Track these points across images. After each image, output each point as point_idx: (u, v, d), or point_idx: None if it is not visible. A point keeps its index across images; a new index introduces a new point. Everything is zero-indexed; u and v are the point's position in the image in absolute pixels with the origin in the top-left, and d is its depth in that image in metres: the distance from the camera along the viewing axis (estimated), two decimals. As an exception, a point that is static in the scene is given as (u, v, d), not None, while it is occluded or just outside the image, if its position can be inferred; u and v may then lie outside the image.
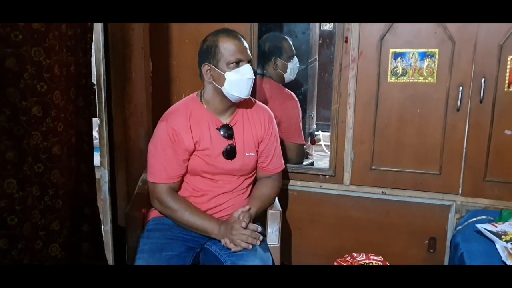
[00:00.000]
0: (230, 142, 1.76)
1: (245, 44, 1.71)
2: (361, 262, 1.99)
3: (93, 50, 1.91)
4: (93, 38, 1.88)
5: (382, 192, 2.10)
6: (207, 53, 1.69)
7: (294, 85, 2.62)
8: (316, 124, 2.87)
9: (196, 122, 1.73)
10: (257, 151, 1.83)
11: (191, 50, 1.80)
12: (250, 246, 1.62)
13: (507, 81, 1.84)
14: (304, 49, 2.62)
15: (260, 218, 1.86)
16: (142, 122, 2.17)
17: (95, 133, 2.33)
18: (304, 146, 2.59)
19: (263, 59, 2.35)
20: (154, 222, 1.80)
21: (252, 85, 1.71)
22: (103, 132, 1.99)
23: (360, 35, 1.99)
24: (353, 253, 2.02)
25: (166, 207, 1.73)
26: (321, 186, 2.20)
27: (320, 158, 2.80)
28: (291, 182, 2.23)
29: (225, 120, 1.77)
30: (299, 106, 2.43)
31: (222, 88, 1.68)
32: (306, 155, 2.62)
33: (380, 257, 2.00)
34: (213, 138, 1.74)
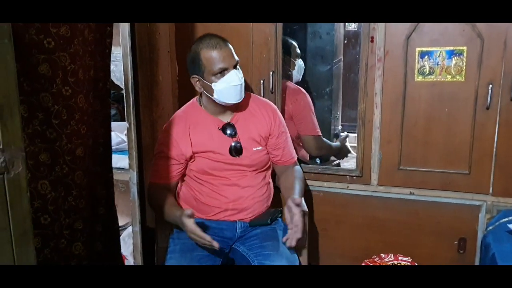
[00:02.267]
0: (235, 139, 1.79)
1: (228, 49, 1.70)
2: (389, 263, 1.98)
3: (120, 55, 1.96)
4: (121, 43, 1.92)
5: (410, 192, 2.08)
6: (193, 65, 1.73)
7: (318, 86, 2.63)
8: (341, 125, 2.86)
9: (195, 128, 1.78)
10: (266, 145, 1.84)
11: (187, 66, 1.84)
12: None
13: (539, 78, 1.80)
14: (329, 50, 2.62)
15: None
16: (169, 125, 2.20)
17: (123, 136, 2.39)
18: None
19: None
20: (183, 223, 1.82)
21: (244, 89, 1.73)
22: (131, 135, 2.03)
23: (385, 34, 1.97)
24: (381, 254, 2.01)
25: (153, 199, 1.83)
26: (348, 186, 2.19)
27: (346, 160, 2.78)
28: (317, 183, 2.23)
29: (226, 119, 1.81)
30: (309, 98, 2.40)
31: (213, 97, 1.72)
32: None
33: (409, 258, 1.98)
34: (216, 139, 1.77)
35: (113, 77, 2.74)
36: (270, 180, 1.90)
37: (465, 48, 1.89)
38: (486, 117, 1.90)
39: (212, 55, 1.67)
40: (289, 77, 2.45)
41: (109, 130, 1.90)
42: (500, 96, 1.87)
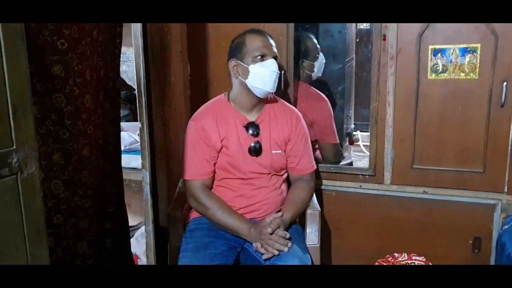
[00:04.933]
0: (256, 139, 1.79)
1: (272, 41, 1.77)
2: (403, 262, 1.96)
3: (133, 55, 1.97)
4: (133, 43, 1.94)
5: (424, 191, 2.06)
6: (235, 50, 1.78)
7: (330, 85, 2.61)
8: (354, 123, 2.85)
9: (223, 121, 1.79)
10: (285, 150, 1.84)
11: (227, 54, 1.84)
12: (277, 253, 1.61)
13: (555, 75, 1.77)
14: (341, 48, 2.60)
15: (299, 218, 1.86)
16: (181, 124, 2.22)
17: (136, 136, 2.41)
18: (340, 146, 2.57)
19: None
20: (195, 222, 1.83)
21: (277, 81, 1.76)
22: (144, 135, 2.04)
23: (398, 32, 1.96)
24: (395, 254, 1.99)
25: (200, 204, 1.78)
26: (360, 186, 2.17)
27: (359, 159, 2.76)
28: (330, 182, 2.22)
29: (251, 118, 1.81)
30: (330, 106, 2.42)
31: (247, 81, 1.74)
32: (342, 156, 2.60)
33: (423, 257, 1.96)
34: (240, 136, 1.78)
35: (125, 77, 2.77)
36: (285, 186, 1.90)
37: (479, 45, 1.86)
38: (501, 114, 1.87)
39: (257, 40, 1.74)
40: (310, 79, 2.45)
41: (118, 129, 1.91)
42: (515, 94, 1.84)
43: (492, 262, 1.99)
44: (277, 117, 1.84)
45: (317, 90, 2.44)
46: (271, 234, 1.65)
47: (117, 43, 1.82)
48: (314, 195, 1.93)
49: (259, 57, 1.72)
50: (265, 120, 1.82)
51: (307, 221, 1.84)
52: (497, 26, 1.82)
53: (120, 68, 1.96)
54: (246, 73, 1.74)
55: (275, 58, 1.75)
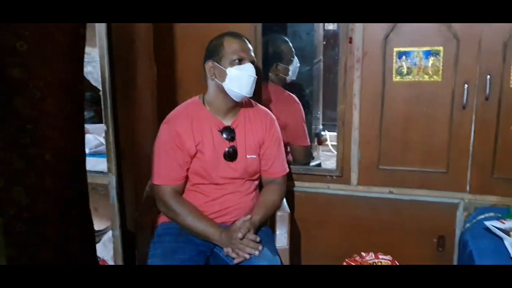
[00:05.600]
0: (232, 144, 1.77)
1: (249, 46, 1.76)
2: (370, 261, 1.99)
3: (97, 56, 1.93)
4: (97, 43, 1.89)
5: (390, 191, 2.10)
6: (212, 52, 1.76)
7: (299, 86, 2.63)
8: (323, 124, 2.88)
9: (198, 125, 1.76)
10: (259, 154, 1.83)
11: (196, 53, 1.83)
12: (248, 256, 1.61)
13: (512, 78, 1.84)
14: (309, 50, 2.62)
15: (269, 221, 1.86)
16: (148, 127, 2.18)
17: (102, 139, 2.35)
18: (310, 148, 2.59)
19: (265, 65, 2.35)
20: (163, 227, 1.81)
21: (254, 85, 1.74)
22: (109, 138, 2.00)
23: (364, 34, 1.99)
24: (362, 253, 2.03)
25: (169, 209, 1.75)
26: (328, 187, 2.20)
27: (327, 158, 2.80)
28: (299, 183, 2.23)
29: (227, 122, 1.79)
30: (302, 109, 2.44)
31: (224, 84, 1.72)
32: (312, 157, 2.63)
33: (389, 256, 2.00)
34: (215, 140, 1.76)
35: (90, 78, 2.70)
36: (257, 190, 1.89)
37: (441, 48, 1.91)
38: (462, 116, 1.93)
39: (235, 43, 1.73)
40: (284, 82, 2.45)
41: (83, 132, 1.86)
42: (475, 96, 1.90)
43: (455, 260, 2.05)
44: (252, 121, 1.83)
45: (290, 93, 2.45)
46: (242, 238, 1.64)
47: (80, 45, 1.77)
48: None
49: (236, 60, 1.71)
50: (241, 124, 1.81)
51: (276, 223, 1.84)
52: (459, 30, 1.87)
53: (85, 69, 1.91)
54: (223, 75, 1.72)
55: (253, 62, 1.74)
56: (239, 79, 1.70)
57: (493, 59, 1.85)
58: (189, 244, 1.71)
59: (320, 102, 2.78)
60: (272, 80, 2.43)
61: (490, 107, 1.88)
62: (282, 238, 1.82)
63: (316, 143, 2.81)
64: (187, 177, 1.79)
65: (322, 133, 2.87)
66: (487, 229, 1.78)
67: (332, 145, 2.78)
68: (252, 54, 1.76)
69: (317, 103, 2.78)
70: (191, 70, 2.20)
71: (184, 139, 1.74)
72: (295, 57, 2.45)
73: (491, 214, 1.90)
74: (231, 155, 1.77)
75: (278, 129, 1.89)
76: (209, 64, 1.76)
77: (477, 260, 1.66)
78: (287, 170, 1.93)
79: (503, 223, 1.77)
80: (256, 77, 1.74)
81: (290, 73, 2.43)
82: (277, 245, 1.79)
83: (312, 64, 2.64)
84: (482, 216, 1.90)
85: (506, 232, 1.72)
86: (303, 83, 2.67)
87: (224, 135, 1.77)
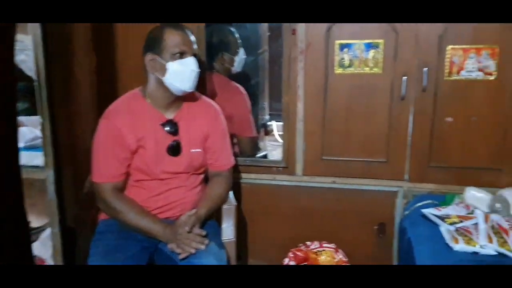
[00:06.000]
0: (175, 138, 1.73)
1: (192, 38, 1.70)
2: (314, 250, 2.03)
3: (31, 45, 1.82)
4: (31, 32, 1.78)
5: (333, 181, 2.15)
6: (152, 44, 1.68)
7: (244, 76, 2.61)
8: (270, 114, 2.88)
9: (139, 119, 1.70)
10: (204, 147, 1.81)
11: (138, 42, 1.76)
12: (194, 251, 1.59)
13: (447, 70, 1.91)
14: (253, 40, 2.61)
15: (215, 214, 1.85)
16: (87, 120, 2.09)
17: (38, 132, 2.23)
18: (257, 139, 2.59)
19: (210, 54, 2.32)
20: (104, 224, 1.75)
21: (197, 79, 1.70)
22: (46, 131, 1.90)
23: (307, 26, 2.00)
24: (307, 242, 2.06)
25: (110, 207, 1.69)
26: (274, 178, 2.22)
27: (274, 148, 2.81)
28: (245, 175, 2.24)
29: (169, 115, 1.75)
30: (248, 100, 2.43)
31: (164, 79, 1.66)
32: (259, 148, 2.63)
33: (333, 244, 2.05)
34: (157, 135, 1.71)
35: (24, 67, 2.55)
36: (203, 184, 1.87)
37: (382, 41, 1.96)
38: (401, 107, 1.99)
39: (176, 36, 1.66)
40: (229, 72, 2.42)
41: (15, 125, 1.76)
42: (413, 88, 1.96)
43: (395, 246, 2.13)
44: (195, 113, 1.79)
45: (236, 84, 2.43)
46: (188, 233, 1.62)
47: (9, 36, 1.66)
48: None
49: (178, 54, 1.64)
50: (184, 117, 1.76)
51: (223, 216, 1.84)
52: (397, 23, 1.92)
53: (18, 57, 1.80)
54: (163, 69, 1.66)
55: (195, 55, 1.69)
56: (181, 73, 1.65)
57: (429, 52, 1.92)
58: (131, 241, 1.67)
59: (267, 93, 2.78)
60: (217, 70, 2.40)
61: (427, 98, 1.96)
62: (228, 231, 1.82)
63: (263, 134, 2.82)
64: (128, 173, 1.74)
65: (269, 123, 2.88)
66: (424, 216, 1.87)
67: (279, 135, 2.80)
68: (195, 46, 1.71)
69: (263, 93, 2.78)
70: (132, 62, 2.12)
71: (124, 135, 1.68)
72: (242, 48, 2.43)
73: (429, 201, 1.99)
74: (174, 150, 1.73)
75: (224, 121, 1.87)
76: (148, 56, 1.69)
77: (415, 246, 1.74)
78: (233, 162, 1.91)
79: (439, 210, 1.86)
80: (199, 70, 1.70)
81: (235, 64, 2.41)
82: (223, 238, 1.78)
83: (256, 54, 2.63)
84: (420, 204, 1.98)
85: (441, 218, 1.80)
86: (249, 73, 2.66)
87: (167, 129, 1.72)
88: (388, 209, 2.12)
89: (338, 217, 2.18)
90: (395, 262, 2.15)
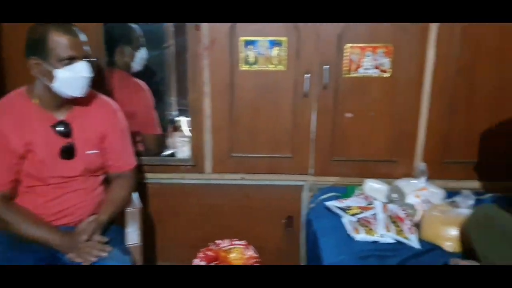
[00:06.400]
0: (68, 140, 1.62)
1: (81, 38, 1.55)
2: (225, 248, 2.03)
3: None
4: None
5: (242, 177, 2.15)
6: (35, 47, 1.51)
7: (150, 72, 2.52)
8: (179, 110, 2.82)
9: (26, 122, 1.56)
10: (102, 149, 1.71)
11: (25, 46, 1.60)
12: (95, 259, 1.51)
13: (346, 68, 1.99)
14: (157, 34, 2.52)
15: (119, 218, 1.76)
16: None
17: None
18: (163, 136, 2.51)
19: (110, 47, 2.19)
20: (-7, 235, 1.59)
21: (90, 83, 1.59)
22: None
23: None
24: (216, 241, 2.05)
25: None
26: (183, 176, 2.17)
27: (184, 144, 2.75)
28: (152, 175, 2.17)
29: (60, 116, 1.62)
30: (150, 96, 2.34)
31: (52, 86, 1.53)
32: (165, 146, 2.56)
33: (244, 241, 2.06)
34: (47, 137, 1.58)
35: None
36: (103, 186, 1.76)
37: (285, 39, 1.98)
38: (305, 104, 2.04)
39: (62, 39, 1.49)
40: (128, 68, 2.31)
41: None
42: (316, 85, 2.01)
43: (302, 238, 2.20)
44: (90, 113, 1.67)
45: (137, 80, 2.33)
46: (87, 241, 1.53)
47: None
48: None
49: (66, 61, 1.50)
50: (77, 117, 1.64)
51: (127, 220, 1.76)
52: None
53: None
54: (50, 77, 1.51)
55: (87, 58, 1.55)
56: (71, 81, 1.52)
57: (330, 51, 1.98)
58: (25, 252, 1.53)
59: (173, 88, 2.71)
60: (118, 65, 2.28)
61: (328, 95, 2.02)
62: (133, 235, 1.74)
63: (171, 130, 2.75)
64: (18, 180, 1.60)
65: (177, 119, 2.81)
66: (328, 209, 1.94)
67: (189, 130, 2.75)
68: (86, 47, 1.56)
69: (170, 89, 2.70)
70: (20, 58, 1.93)
71: (9, 139, 1.53)
72: (144, 47, 2.33)
73: (332, 194, 2.07)
74: (68, 153, 1.61)
75: (123, 120, 1.78)
76: (32, 60, 1.52)
77: (320, 238, 1.80)
78: (135, 163, 1.84)
79: (342, 202, 1.95)
80: (92, 75, 1.57)
81: (136, 60, 2.31)
82: (128, 243, 1.71)
83: (161, 48, 2.55)
84: (324, 196, 2.06)
85: (344, 210, 1.88)
86: (154, 68, 2.57)
87: (58, 131, 1.59)
88: (295, 203, 2.18)
89: (248, 213, 2.20)
90: (302, 253, 2.21)
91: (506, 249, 1.39)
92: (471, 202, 1.81)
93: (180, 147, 2.70)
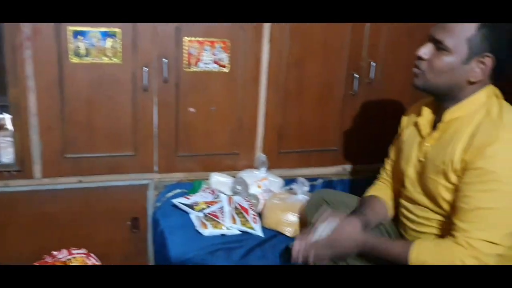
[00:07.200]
0: None
1: None
2: (63, 259, 1.85)
3: None
4: None
5: (79, 180, 1.98)
6: None
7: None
8: (1, 106, 2.47)
9: None
10: None
11: None
12: None
13: (186, 62, 1.96)
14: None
15: None
16: None
17: None
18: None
19: None
20: None
21: None
22: None
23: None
24: (53, 252, 1.86)
25: None
26: (7, 184, 1.90)
27: (10, 145, 2.43)
28: (-36, 185, 1.85)
29: None
30: None
31: None
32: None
33: (83, 249, 1.90)
34: None
35: None
36: None
37: (119, 30, 1.85)
38: (145, 98, 1.95)
39: None
40: None
41: None
42: (155, 78, 1.94)
43: (150, 239, 2.12)
44: None
45: None
46: None
47: None
48: None
49: None
50: None
51: None
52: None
53: None
54: None
55: None
56: None
57: (168, 44, 1.92)
58: None
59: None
60: None
61: (169, 89, 1.97)
62: None
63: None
64: None
65: (0, 116, 2.46)
66: (175, 206, 1.90)
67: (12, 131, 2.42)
68: None
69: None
70: None
71: None
72: None
73: (178, 190, 2.03)
74: None
75: None
76: None
77: (168, 237, 1.75)
78: None
79: (188, 198, 1.92)
80: None
81: None
82: None
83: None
84: (171, 194, 2.01)
85: (190, 206, 1.86)
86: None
87: None
88: (141, 203, 2.09)
89: (88, 219, 2.03)
90: (150, 255, 2.14)
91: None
92: (306, 188, 1.95)
93: (6, 147, 2.38)
